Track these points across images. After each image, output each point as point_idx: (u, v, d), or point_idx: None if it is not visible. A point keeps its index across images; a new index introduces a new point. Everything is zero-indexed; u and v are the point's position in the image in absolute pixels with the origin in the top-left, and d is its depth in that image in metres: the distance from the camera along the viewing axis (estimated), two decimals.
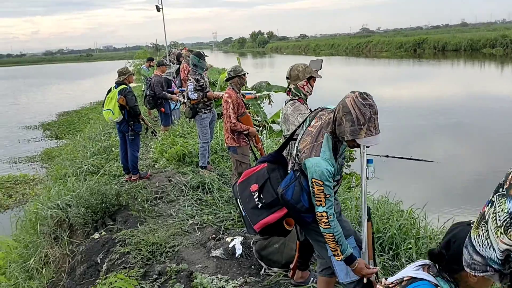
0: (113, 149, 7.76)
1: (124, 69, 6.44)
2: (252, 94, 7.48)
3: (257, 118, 12.07)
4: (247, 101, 12.07)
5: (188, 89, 6.31)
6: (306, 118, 2.61)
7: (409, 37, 68.36)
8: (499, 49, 45.01)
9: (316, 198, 2.31)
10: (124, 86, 6.26)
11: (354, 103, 2.22)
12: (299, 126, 2.69)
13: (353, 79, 30.13)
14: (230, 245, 3.97)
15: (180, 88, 9.57)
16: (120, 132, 6.51)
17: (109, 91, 6.36)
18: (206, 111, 6.44)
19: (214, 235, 4.38)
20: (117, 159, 7.14)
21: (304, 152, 2.37)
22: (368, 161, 2.39)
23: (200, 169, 6.42)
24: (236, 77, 5.03)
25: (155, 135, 7.07)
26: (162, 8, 21.13)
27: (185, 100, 6.80)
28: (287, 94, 3.51)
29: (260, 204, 2.52)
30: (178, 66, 11.44)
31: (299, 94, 3.41)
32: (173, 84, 9.34)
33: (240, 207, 2.66)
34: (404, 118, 15.58)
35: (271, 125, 12.12)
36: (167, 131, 8.54)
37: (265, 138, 10.39)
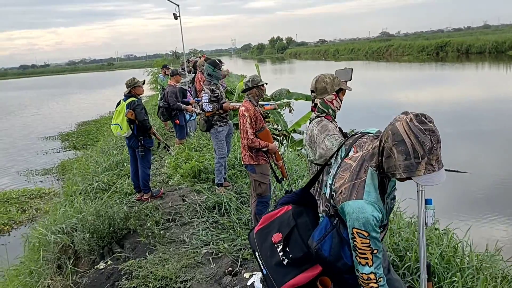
0: (125, 164, 7.37)
1: (130, 80, 5.97)
2: (271, 105, 6.97)
3: (276, 127, 11.55)
4: (265, 112, 11.55)
5: (203, 100, 5.86)
6: (341, 146, 2.08)
7: (431, 40, 67.03)
8: None
9: (360, 255, 1.76)
10: (133, 98, 5.82)
11: (409, 128, 1.68)
12: (331, 157, 2.14)
13: (375, 83, 29.39)
14: (249, 283, 3.45)
15: (196, 99, 9.13)
16: (130, 147, 6.08)
17: (118, 104, 5.97)
18: (222, 123, 5.97)
19: (230, 268, 3.87)
20: (129, 175, 6.73)
21: (341, 192, 1.83)
22: (427, 201, 1.81)
23: (216, 186, 5.94)
24: (254, 88, 4.53)
25: (168, 150, 6.60)
26: (179, 16, 20.93)
27: (200, 111, 6.35)
28: (312, 111, 2.95)
29: (286, 260, 1.97)
30: (194, 74, 11.04)
31: (326, 110, 2.86)
32: (188, 94, 8.89)
33: (260, 262, 2.09)
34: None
35: (292, 134, 11.57)
36: (182, 144, 8.09)
37: (285, 149, 9.86)
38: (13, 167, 14.77)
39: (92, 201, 5.97)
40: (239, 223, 4.93)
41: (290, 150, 10.14)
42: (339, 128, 2.85)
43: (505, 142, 12.37)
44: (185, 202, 5.62)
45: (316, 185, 2.58)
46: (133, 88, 5.90)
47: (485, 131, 13.59)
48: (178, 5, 21.19)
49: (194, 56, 36.78)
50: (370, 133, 2.01)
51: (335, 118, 2.91)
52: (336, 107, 2.88)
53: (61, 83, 73.66)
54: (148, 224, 4.78)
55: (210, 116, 5.87)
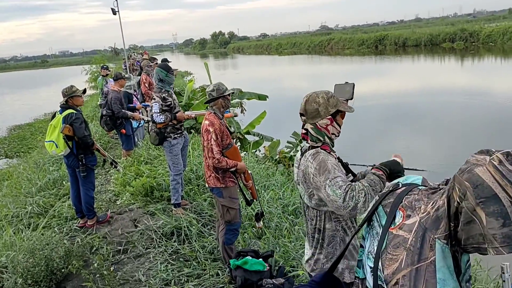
0: (64, 182, 6.42)
1: (67, 89, 5.00)
2: (230, 112, 6.29)
3: (229, 129, 10.92)
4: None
5: (153, 111, 5.11)
6: (376, 206, 1.49)
7: (370, 34, 68.89)
8: (459, 43, 45.61)
9: None
10: (70, 111, 4.88)
11: (502, 176, 1.13)
12: (360, 226, 1.55)
13: (321, 76, 29.46)
14: None
15: (143, 103, 8.28)
16: (69, 167, 5.13)
17: (53, 116, 5.04)
18: (176, 135, 5.26)
19: None
20: (69, 195, 5.87)
21: (399, 284, 1.26)
22: None
23: (173, 207, 5.25)
24: (220, 98, 3.87)
25: (116, 167, 5.72)
26: (118, 11, 19.78)
27: (149, 118, 5.58)
28: (304, 139, 2.30)
29: None
30: (139, 77, 10.15)
31: (321, 139, 2.23)
32: (134, 98, 8.00)
33: None
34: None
35: (245, 136, 11.00)
36: (130, 156, 7.24)
37: (242, 153, 9.26)
38: None
39: (25, 230, 5.08)
40: (203, 252, 4.30)
41: (244, 153, 9.59)
42: (338, 158, 2.24)
43: (445, 132, 12.53)
44: (138, 229, 4.87)
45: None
46: (71, 98, 4.98)
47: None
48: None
49: (134, 52, 35.09)
50: (417, 183, 1.44)
51: (333, 146, 2.30)
52: (333, 133, 2.25)
53: None
54: (95, 265, 4.00)
55: (162, 128, 5.13)
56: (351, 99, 2.33)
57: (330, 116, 2.19)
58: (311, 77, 30.57)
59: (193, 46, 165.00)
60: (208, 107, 3.96)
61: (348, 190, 1.87)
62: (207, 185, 3.98)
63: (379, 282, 1.33)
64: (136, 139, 7.85)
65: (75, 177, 5.13)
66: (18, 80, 70.34)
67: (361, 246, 1.52)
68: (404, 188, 1.44)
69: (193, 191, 5.80)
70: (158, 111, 5.06)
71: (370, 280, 1.40)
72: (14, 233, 5.00)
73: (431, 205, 1.28)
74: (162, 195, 5.63)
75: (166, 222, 4.83)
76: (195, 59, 78.77)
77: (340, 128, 2.27)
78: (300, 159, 2.27)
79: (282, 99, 18.32)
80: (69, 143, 4.83)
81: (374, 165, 2.05)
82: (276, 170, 8.34)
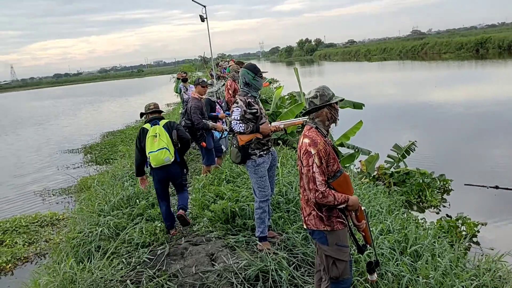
0: (138, 200, 5.70)
1: (154, 104, 5.30)
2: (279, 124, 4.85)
3: (336, 149, 9.80)
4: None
5: (233, 117, 4.17)
6: None
7: (469, 37, 63.85)
8: None
9: None
10: (166, 120, 5.15)
11: None
12: None
13: (420, 82, 27.21)
14: None
15: (227, 112, 7.43)
16: (164, 181, 5.12)
17: (144, 130, 5.07)
18: (262, 152, 4.27)
19: None
20: (144, 215, 5.18)
21: None
22: None
23: (257, 241, 4.27)
24: (325, 108, 2.83)
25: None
26: (206, 18, 19.69)
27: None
28: None
29: None
30: (223, 82, 9.42)
31: None
32: (217, 106, 7.19)
33: None
34: None
35: (338, 148, 9.79)
36: (210, 172, 6.40)
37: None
38: (33, 184, 13.65)
39: (92, 256, 4.43)
40: None
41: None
42: None
43: None
44: (216, 268, 3.96)
45: None
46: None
47: None
48: (204, 6, 19.80)
49: (222, 60, 35.35)
50: None
51: None
52: None
53: (92, 91, 74.44)
54: None
55: (245, 144, 4.18)
56: None
57: None
58: (408, 84, 28.37)
59: (279, 53, 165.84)
60: (308, 120, 2.92)
61: None
62: (305, 226, 2.93)
63: None
64: (223, 147, 6.89)
65: (166, 191, 5.17)
66: (116, 88, 75.26)
67: None
68: None
69: (282, 220, 4.77)
70: (238, 118, 4.11)
71: None
72: (80, 261, 4.36)
73: None
74: (246, 223, 4.68)
75: (249, 262, 3.86)
76: (281, 67, 78.59)
77: None
78: None
79: (380, 108, 16.76)
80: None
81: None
82: (376, 189, 7.06)
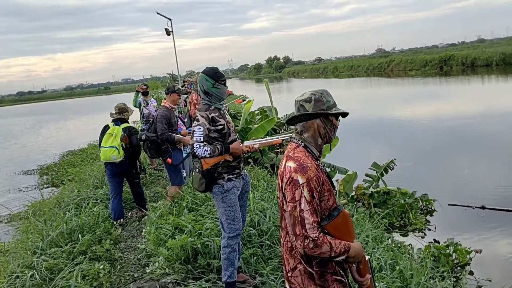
0: (79, 235, 4.70)
1: (123, 104, 5.93)
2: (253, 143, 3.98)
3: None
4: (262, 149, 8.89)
5: (194, 138, 3.36)
6: None
7: (433, 54, 65.65)
8: None
9: None
10: (127, 124, 5.76)
11: None
12: None
13: (393, 98, 27.16)
14: None
15: (190, 128, 6.55)
16: (116, 176, 5.72)
17: (106, 128, 5.71)
18: (231, 175, 3.46)
19: None
20: (87, 253, 4.23)
21: None
22: None
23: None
24: (319, 118, 2.03)
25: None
26: (172, 32, 18.93)
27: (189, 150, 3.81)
28: None
29: None
30: (187, 95, 8.58)
31: None
32: (179, 122, 6.31)
33: None
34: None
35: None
36: (180, 194, 5.41)
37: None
38: None
39: None
40: None
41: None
42: None
43: None
44: None
45: None
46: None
47: None
48: (170, 19, 18.99)
49: (190, 76, 34.53)
50: None
51: None
52: None
53: (56, 109, 72.32)
54: None
55: (210, 168, 3.35)
56: None
57: None
58: (381, 100, 28.26)
59: (248, 71, 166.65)
60: (293, 135, 2.11)
61: None
62: (287, 286, 2.09)
63: None
64: (183, 173, 5.94)
65: (119, 185, 5.78)
66: (82, 106, 73.29)
67: None
68: None
69: (254, 257, 3.93)
70: (202, 139, 3.30)
71: None
72: None
73: None
74: (210, 264, 3.81)
75: None
76: (250, 84, 78.32)
77: None
78: None
79: (357, 124, 16.16)
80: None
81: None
82: (357, 213, 6.35)
